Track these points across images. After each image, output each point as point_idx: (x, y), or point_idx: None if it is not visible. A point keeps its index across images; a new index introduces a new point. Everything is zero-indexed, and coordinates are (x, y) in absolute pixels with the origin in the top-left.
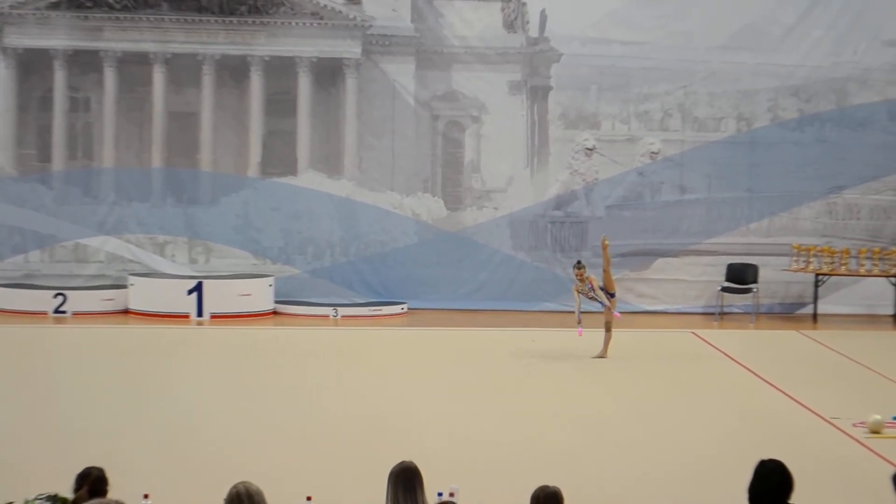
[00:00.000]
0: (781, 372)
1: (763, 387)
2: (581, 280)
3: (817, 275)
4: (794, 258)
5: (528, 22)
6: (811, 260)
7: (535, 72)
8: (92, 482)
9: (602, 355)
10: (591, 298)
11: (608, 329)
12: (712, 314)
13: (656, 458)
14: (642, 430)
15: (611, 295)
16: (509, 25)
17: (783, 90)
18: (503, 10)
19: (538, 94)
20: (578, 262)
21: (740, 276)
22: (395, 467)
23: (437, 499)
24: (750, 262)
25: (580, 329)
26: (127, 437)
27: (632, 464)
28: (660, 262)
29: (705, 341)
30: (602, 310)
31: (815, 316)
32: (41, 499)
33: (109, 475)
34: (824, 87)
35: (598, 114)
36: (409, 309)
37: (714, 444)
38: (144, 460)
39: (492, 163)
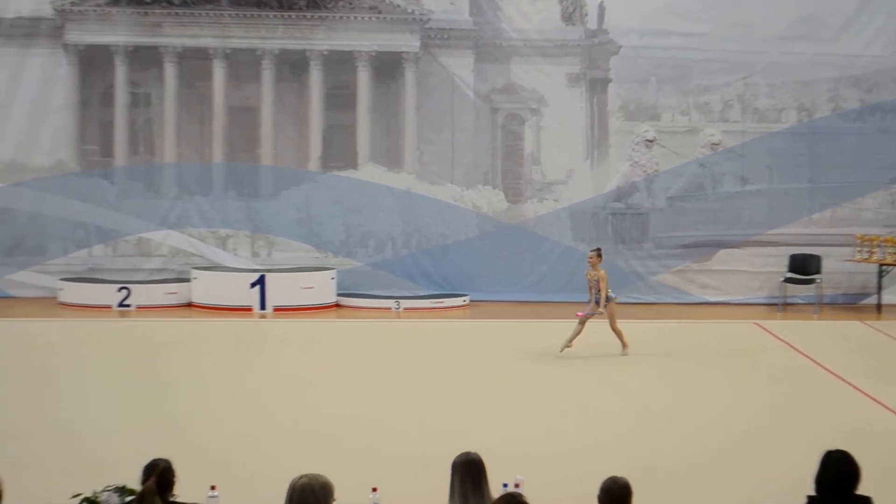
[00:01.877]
0: (846, 362)
1: (828, 377)
2: (593, 267)
3: (881, 265)
4: (858, 248)
5: (586, 14)
6: (874, 250)
7: (594, 64)
8: (159, 473)
9: (623, 348)
10: (590, 289)
11: (612, 325)
12: (775, 305)
13: (719, 448)
14: (705, 421)
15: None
16: (567, 18)
17: (844, 80)
18: (561, 2)
19: (597, 86)
20: (598, 250)
21: (803, 267)
22: (458, 458)
23: (502, 490)
24: (813, 252)
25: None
26: (193, 428)
27: (694, 454)
28: (722, 253)
29: (769, 332)
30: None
31: (879, 306)
32: (109, 490)
33: (176, 466)
34: (885, 77)
35: (657, 105)
36: (470, 301)
37: (780, 434)
38: (211, 451)
39: (552, 155)
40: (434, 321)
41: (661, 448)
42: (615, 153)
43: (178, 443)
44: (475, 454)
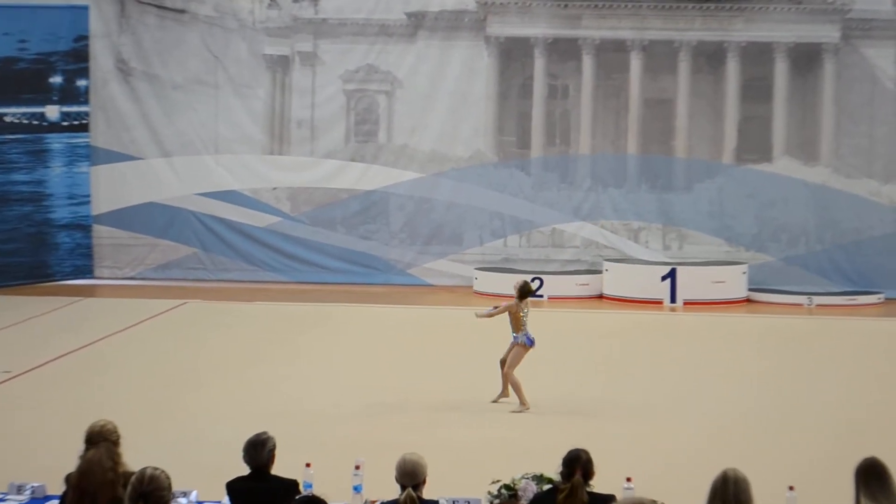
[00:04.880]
0: None
1: None
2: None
3: None
4: None
5: None
6: None
7: None
8: (583, 465)
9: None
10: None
11: (508, 369)
12: None
13: None
14: None
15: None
16: None
17: None
18: None
19: None
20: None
21: None
22: (860, 464)
23: None
24: None
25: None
26: (606, 419)
27: None
28: None
29: None
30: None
31: None
32: (527, 478)
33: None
34: None
35: None
36: (885, 299)
37: None
38: (623, 445)
39: None
40: (846, 318)
41: None
42: None
43: (588, 434)
44: (874, 458)
